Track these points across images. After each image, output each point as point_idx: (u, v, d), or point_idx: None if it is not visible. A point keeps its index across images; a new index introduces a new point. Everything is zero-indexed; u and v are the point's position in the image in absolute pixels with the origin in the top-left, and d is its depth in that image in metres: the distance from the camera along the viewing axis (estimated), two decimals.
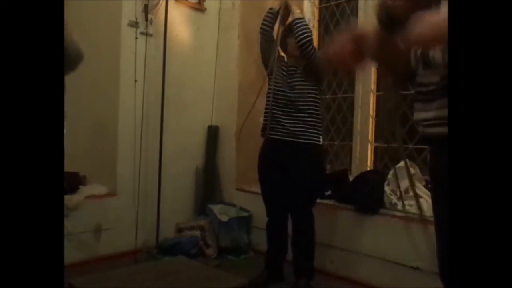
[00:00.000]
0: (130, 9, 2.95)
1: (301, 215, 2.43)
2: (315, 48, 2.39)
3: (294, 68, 2.46)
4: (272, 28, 2.49)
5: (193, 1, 3.35)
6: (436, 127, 1.07)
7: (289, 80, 2.44)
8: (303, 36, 2.33)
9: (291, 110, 2.39)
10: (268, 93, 2.50)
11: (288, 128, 2.39)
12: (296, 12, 2.42)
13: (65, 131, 1.90)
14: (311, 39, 2.37)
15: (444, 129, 0.98)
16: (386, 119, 2.19)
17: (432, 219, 1.21)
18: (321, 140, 2.44)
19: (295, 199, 2.42)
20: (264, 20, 2.49)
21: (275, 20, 2.48)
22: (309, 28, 2.40)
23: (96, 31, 3.07)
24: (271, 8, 2.48)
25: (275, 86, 2.45)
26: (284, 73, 2.47)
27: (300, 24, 2.35)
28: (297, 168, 2.37)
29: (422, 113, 1.12)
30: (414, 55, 1.13)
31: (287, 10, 2.44)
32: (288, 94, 2.40)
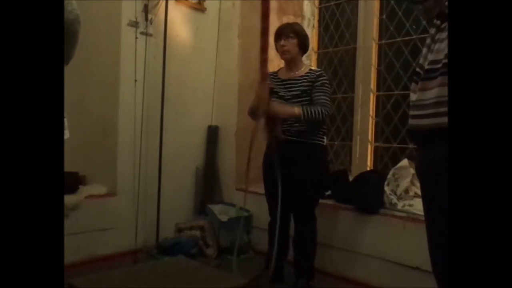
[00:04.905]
0: (130, 9, 2.95)
1: (304, 215, 2.43)
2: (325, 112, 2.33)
3: (291, 82, 2.43)
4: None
5: (193, 1, 3.35)
6: (429, 118, 1.04)
7: (288, 94, 2.41)
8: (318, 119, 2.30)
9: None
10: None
11: (293, 128, 2.39)
12: (292, 111, 2.29)
13: (66, 136, 1.89)
14: (324, 115, 2.32)
15: (436, 121, 0.98)
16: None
17: None
18: (325, 140, 2.44)
19: (298, 199, 2.42)
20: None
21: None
22: (316, 113, 2.30)
23: (96, 31, 3.07)
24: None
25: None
26: (281, 92, 2.43)
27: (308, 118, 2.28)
28: (301, 168, 2.36)
29: (420, 93, 1.08)
30: None
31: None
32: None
